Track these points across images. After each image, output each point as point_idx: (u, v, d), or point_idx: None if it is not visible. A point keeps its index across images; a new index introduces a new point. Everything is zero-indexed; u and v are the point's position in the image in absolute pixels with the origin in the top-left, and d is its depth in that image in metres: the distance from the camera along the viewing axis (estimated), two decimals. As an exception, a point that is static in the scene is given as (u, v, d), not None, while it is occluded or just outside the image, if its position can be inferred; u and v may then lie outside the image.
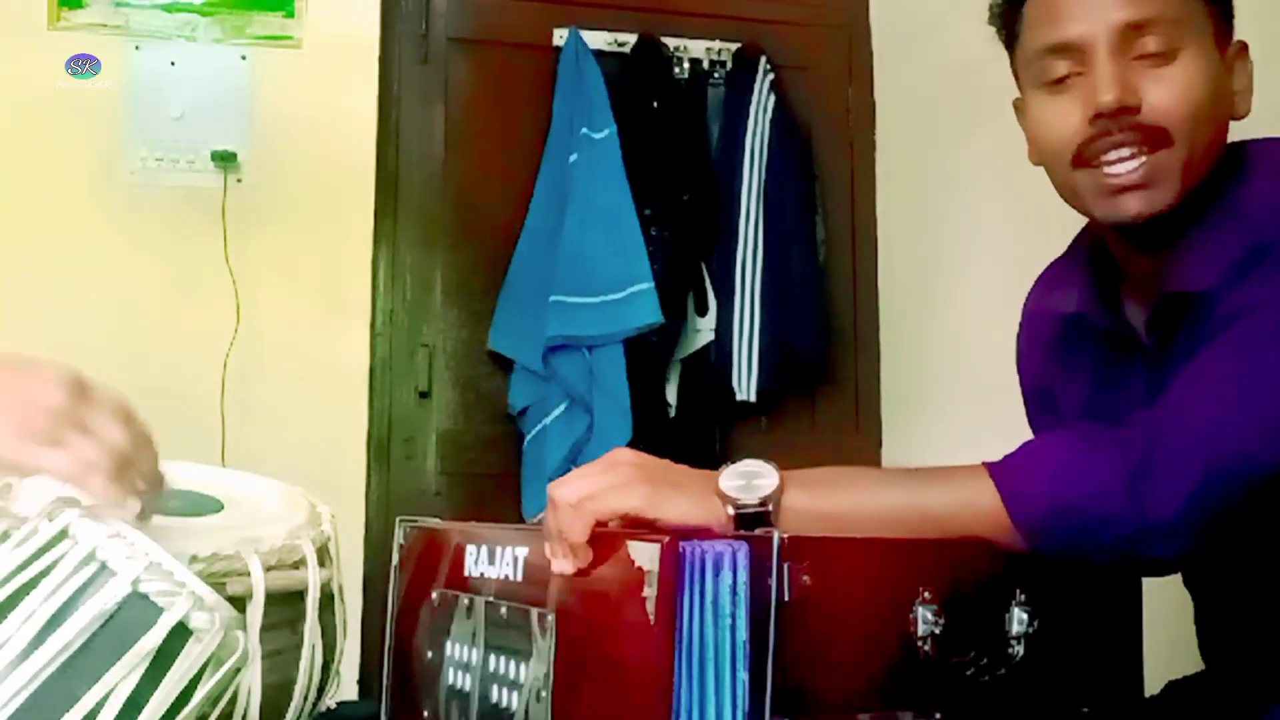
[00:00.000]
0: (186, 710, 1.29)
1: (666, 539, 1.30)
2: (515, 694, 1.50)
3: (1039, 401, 2.17)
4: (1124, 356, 1.92)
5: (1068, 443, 1.64)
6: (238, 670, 1.36)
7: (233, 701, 1.48)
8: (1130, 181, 1.75)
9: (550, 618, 1.45)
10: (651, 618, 1.29)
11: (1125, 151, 1.75)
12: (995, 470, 1.59)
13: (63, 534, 1.31)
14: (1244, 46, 1.86)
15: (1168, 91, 1.74)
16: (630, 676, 1.33)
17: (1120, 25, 1.74)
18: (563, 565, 1.45)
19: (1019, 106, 1.96)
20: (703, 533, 1.39)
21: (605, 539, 1.41)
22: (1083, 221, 2.05)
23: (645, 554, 1.31)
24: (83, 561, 1.27)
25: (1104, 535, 1.54)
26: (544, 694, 1.44)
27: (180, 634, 1.27)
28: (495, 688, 1.54)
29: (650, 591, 1.29)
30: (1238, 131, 1.86)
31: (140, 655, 1.24)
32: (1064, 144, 1.81)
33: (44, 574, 1.27)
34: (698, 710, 1.27)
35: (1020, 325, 2.20)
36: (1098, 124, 1.76)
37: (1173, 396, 1.62)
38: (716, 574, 1.28)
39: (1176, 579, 1.97)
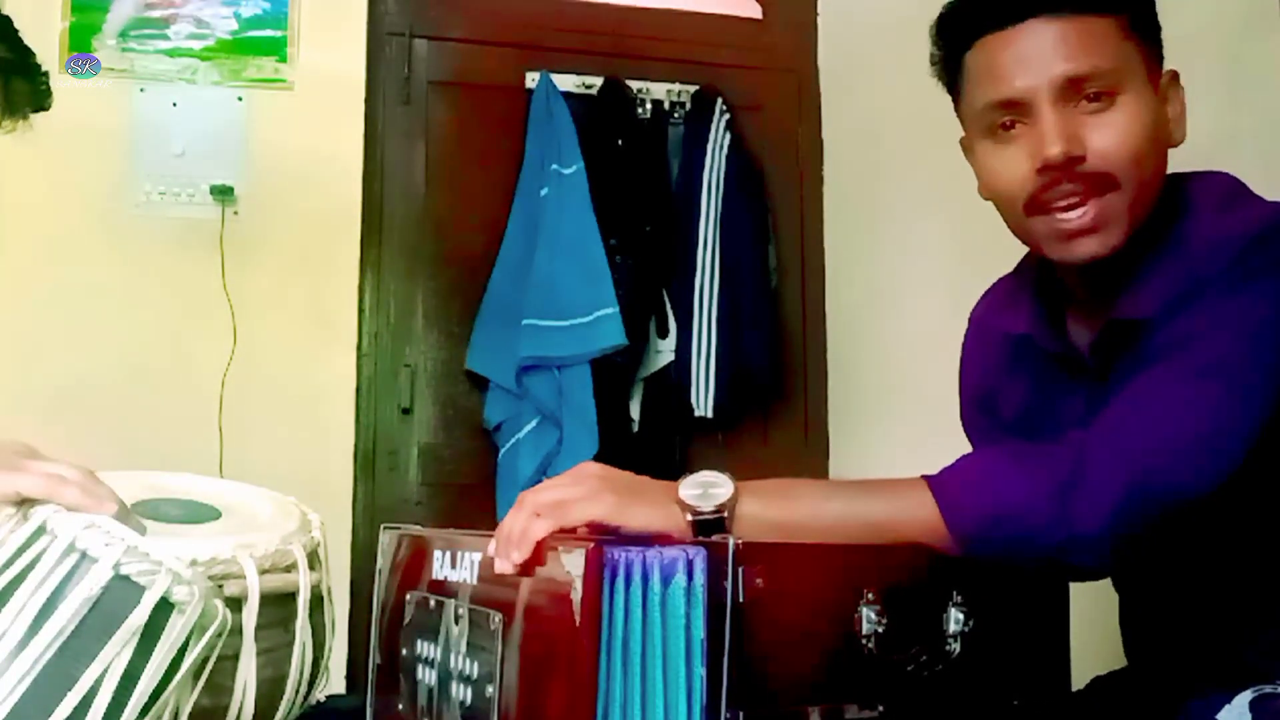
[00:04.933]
0: (178, 678, 1.29)
1: (591, 545, 1.30)
2: (475, 690, 1.50)
3: (979, 404, 2.15)
4: (1067, 374, 1.92)
5: (1001, 458, 1.65)
6: (220, 635, 1.36)
7: (229, 693, 1.48)
8: (1081, 227, 1.74)
9: (499, 618, 1.45)
10: (577, 619, 1.29)
11: (1074, 199, 1.74)
12: (933, 482, 1.59)
13: (40, 530, 1.31)
14: (1175, 75, 1.84)
15: (1110, 137, 1.72)
16: (564, 673, 1.34)
17: (1060, 79, 1.73)
18: (503, 565, 1.45)
19: (966, 145, 1.93)
20: (663, 538, 1.40)
21: (547, 545, 1.42)
22: (1013, 256, 2.05)
23: (574, 560, 1.32)
24: (65, 552, 1.27)
25: (1033, 545, 1.55)
26: (491, 690, 1.44)
27: (164, 609, 1.27)
28: (453, 684, 1.55)
29: (576, 595, 1.30)
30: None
31: (130, 632, 1.24)
32: (1015, 192, 1.79)
33: (29, 568, 1.26)
34: (636, 704, 1.28)
35: (967, 331, 2.19)
36: (1045, 175, 1.74)
37: (1105, 418, 1.63)
38: (645, 578, 1.29)
39: (1103, 583, 1.98)
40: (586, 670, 1.28)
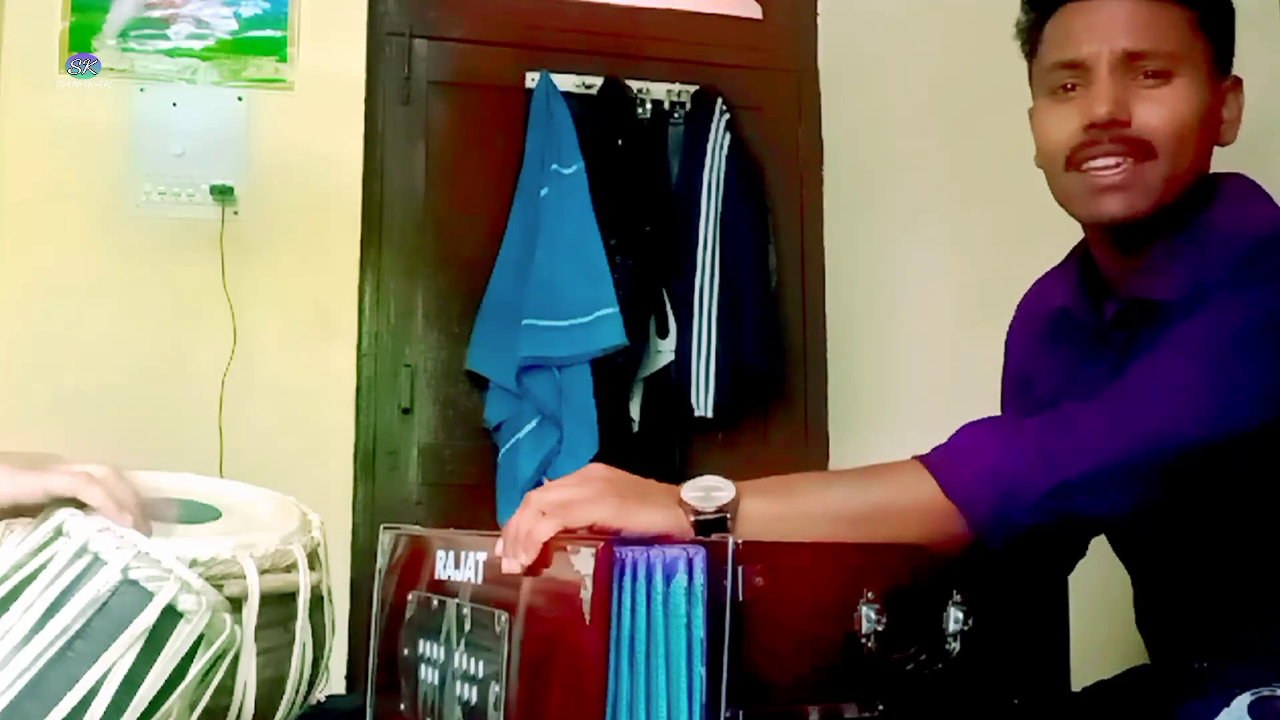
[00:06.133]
0: (181, 687, 1.29)
1: (601, 544, 1.30)
2: (479, 689, 1.50)
3: (1018, 385, 2.22)
4: (1097, 350, 1.97)
5: (990, 425, 1.70)
6: (226, 650, 1.37)
7: (229, 692, 1.48)
8: (1112, 182, 1.83)
9: (504, 617, 1.46)
10: (587, 618, 1.30)
11: (1111, 160, 1.83)
12: (926, 458, 1.64)
13: (58, 531, 1.31)
14: (1238, 82, 1.94)
15: (1157, 110, 1.82)
16: (571, 672, 1.34)
17: (1121, 51, 1.83)
18: (511, 565, 1.46)
19: (1032, 114, 2.01)
20: (666, 539, 1.40)
21: (554, 546, 1.42)
22: (1011, 256, 2.07)
23: (583, 559, 1.32)
24: (76, 554, 1.27)
25: (1027, 493, 1.59)
26: (498, 689, 1.44)
27: (171, 616, 1.27)
28: (459, 683, 1.55)
29: (586, 594, 1.30)
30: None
31: (134, 636, 1.24)
32: (1060, 147, 1.89)
33: (42, 568, 1.27)
34: (641, 702, 1.28)
35: (1013, 320, 2.26)
36: (1090, 133, 1.84)
37: (1100, 394, 1.68)
38: (649, 577, 1.28)
39: (1101, 583, 1.98)
40: (596, 669, 1.28)
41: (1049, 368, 2.10)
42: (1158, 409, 1.62)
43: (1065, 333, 2.06)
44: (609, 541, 1.32)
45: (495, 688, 1.45)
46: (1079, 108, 1.86)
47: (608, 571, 1.29)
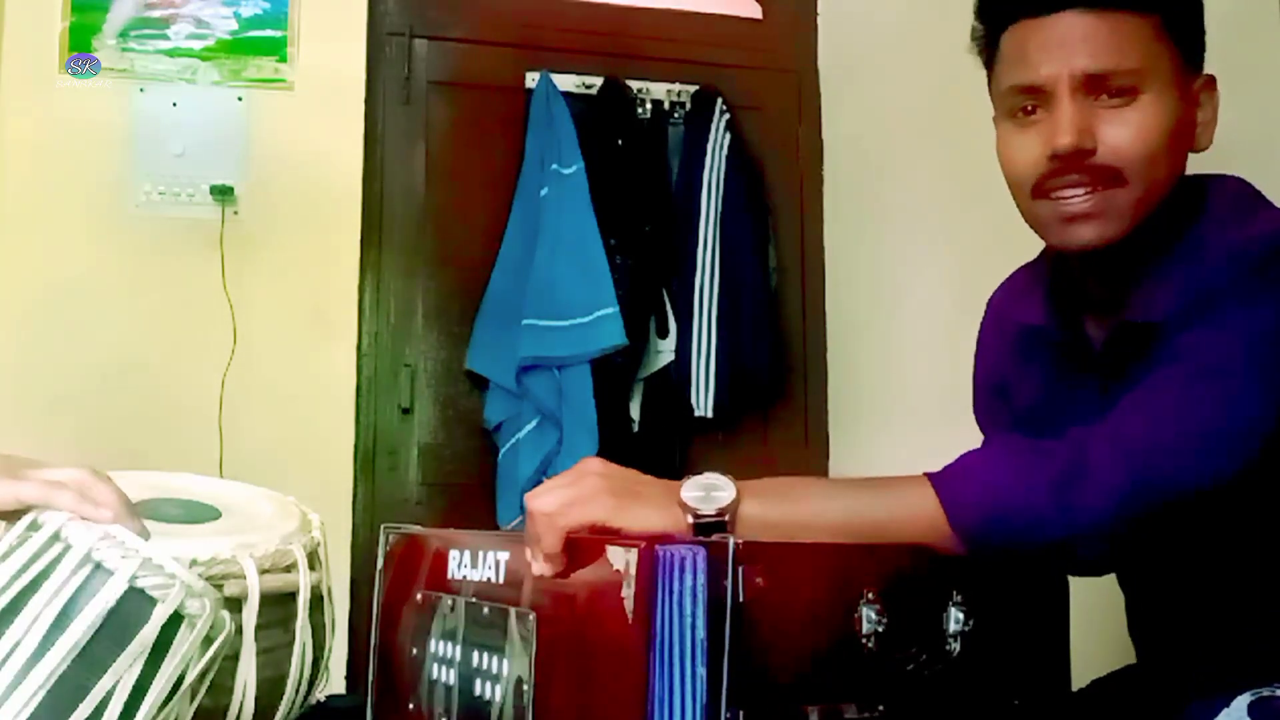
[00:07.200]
0: (183, 688, 1.29)
1: (643, 544, 1.30)
2: (496, 686, 1.50)
3: (993, 390, 2.17)
4: (1079, 366, 1.93)
5: (1002, 454, 1.66)
6: (225, 646, 1.36)
7: (229, 692, 1.48)
8: (1081, 211, 1.76)
9: (531, 616, 1.45)
10: (629, 616, 1.29)
11: (1080, 189, 1.76)
12: (935, 479, 1.59)
13: (55, 538, 1.30)
14: (1211, 80, 1.86)
15: (1124, 134, 1.74)
16: (608, 669, 1.34)
17: (1081, 73, 1.75)
18: (542, 569, 1.45)
19: (996, 124, 1.94)
20: (665, 538, 1.40)
21: (585, 544, 1.42)
22: (1011, 256, 2.06)
23: (622, 558, 1.32)
24: (79, 564, 1.27)
25: (1035, 537, 1.55)
26: (526, 687, 1.44)
27: (175, 621, 1.27)
28: (476, 681, 1.54)
29: (628, 591, 1.30)
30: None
31: (143, 645, 1.24)
32: (1025, 175, 1.82)
33: (43, 577, 1.26)
34: (669, 699, 1.28)
35: (984, 319, 2.21)
36: (1054, 162, 1.76)
37: (1109, 418, 1.64)
38: (671, 576, 1.28)
39: (1100, 583, 1.98)
40: (638, 666, 1.28)
41: (1025, 381, 2.06)
42: (1178, 453, 1.58)
43: (1041, 348, 2.02)
44: (650, 540, 1.32)
45: (524, 686, 1.44)
46: (1041, 134, 1.79)
47: (650, 570, 1.29)
